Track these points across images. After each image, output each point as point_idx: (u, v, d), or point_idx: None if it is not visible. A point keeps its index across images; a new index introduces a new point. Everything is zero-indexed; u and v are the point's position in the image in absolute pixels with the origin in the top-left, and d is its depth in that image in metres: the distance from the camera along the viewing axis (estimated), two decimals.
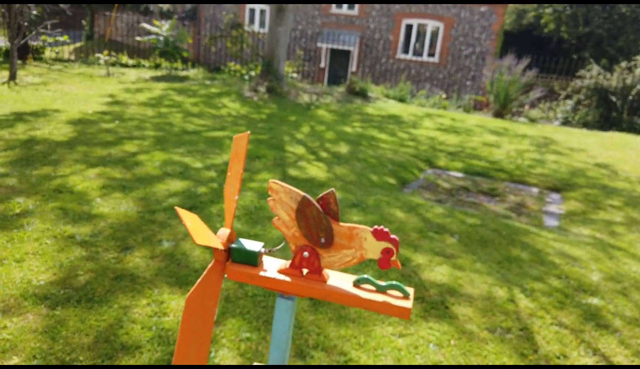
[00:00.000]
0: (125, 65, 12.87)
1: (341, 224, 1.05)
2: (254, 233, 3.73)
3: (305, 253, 1.05)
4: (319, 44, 19.46)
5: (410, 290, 1.04)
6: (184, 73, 12.23)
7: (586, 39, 18.89)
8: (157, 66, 12.85)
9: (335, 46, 19.22)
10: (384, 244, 1.02)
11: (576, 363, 2.66)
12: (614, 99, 11.18)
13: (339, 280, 1.08)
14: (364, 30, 19.48)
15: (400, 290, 1.02)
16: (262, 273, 1.07)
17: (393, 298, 1.01)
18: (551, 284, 3.46)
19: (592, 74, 11.68)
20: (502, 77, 11.03)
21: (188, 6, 20.82)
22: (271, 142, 6.54)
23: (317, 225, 1.04)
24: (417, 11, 18.91)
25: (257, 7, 20.20)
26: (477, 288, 3.32)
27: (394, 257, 1.02)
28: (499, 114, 11.43)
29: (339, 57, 19.87)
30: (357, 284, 1.06)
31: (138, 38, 13.02)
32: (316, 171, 5.51)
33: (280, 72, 9.91)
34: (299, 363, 2.46)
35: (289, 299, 1.10)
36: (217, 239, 1.09)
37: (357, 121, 8.71)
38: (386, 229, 1.03)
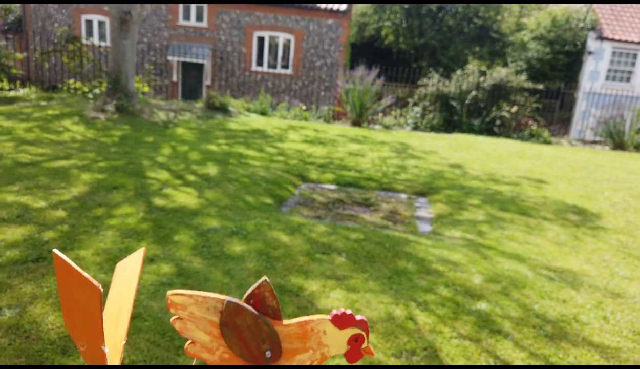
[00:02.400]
0: None
1: (286, 322, 0.76)
2: None
3: None
4: (169, 58, 18.49)
5: None
6: (12, 93, 10.59)
7: (422, 49, 20.71)
8: None
9: (186, 59, 18.42)
10: (351, 332, 0.75)
11: None
12: (454, 103, 12.31)
13: None
14: (216, 42, 18.99)
15: None
16: None
17: None
18: (441, 294, 3.49)
19: (433, 82, 12.72)
20: (355, 87, 11.46)
21: (10, 17, 18.30)
22: (129, 168, 5.84)
23: (256, 336, 0.73)
24: (268, 23, 18.98)
25: (95, 17, 18.52)
26: (374, 309, 3.20)
27: (364, 345, 0.76)
28: (356, 123, 11.86)
29: (192, 71, 19.09)
30: None
31: None
32: (185, 197, 5.02)
33: (129, 89, 9.06)
34: None
35: None
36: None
37: (222, 138, 8.29)
38: (349, 311, 0.76)
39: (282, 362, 0.75)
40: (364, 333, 0.76)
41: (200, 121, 9.53)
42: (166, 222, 4.29)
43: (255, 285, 0.75)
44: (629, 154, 11.60)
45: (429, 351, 2.82)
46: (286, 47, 19.15)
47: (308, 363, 0.76)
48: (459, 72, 12.88)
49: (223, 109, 10.71)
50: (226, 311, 0.72)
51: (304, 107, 12.84)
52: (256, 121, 10.49)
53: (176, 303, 0.74)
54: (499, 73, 12.58)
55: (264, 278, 0.77)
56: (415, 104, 13.25)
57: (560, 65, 19.69)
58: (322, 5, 18.45)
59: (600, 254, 4.64)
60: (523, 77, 13.05)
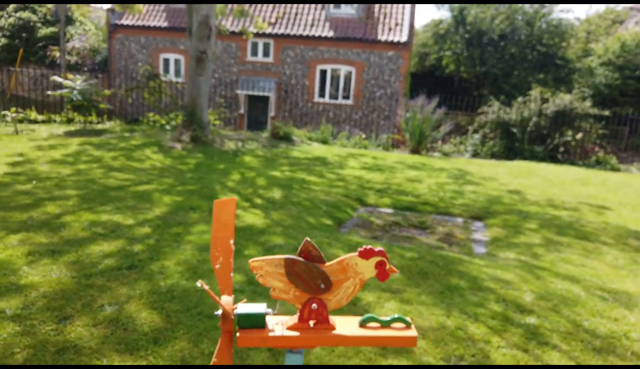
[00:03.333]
0: (35, 121, 12.17)
1: (328, 263, 1.11)
2: (200, 287, 3.63)
3: (314, 305, 1.09)
4: (237, 91, 19.63)
5: (409, 319, 1.11)
6: (100, 126, 11.76)
7: (483, 77, 20.68)
8: (69, 120, 12.26)
9: (253, 92, 19.49)
10: (375, 260, 1.09)
11: None
12: (514, 130, 12.27)
13: (345, 324, 1.12)
14: (280, 76, 19.97)
15: (403, 321, 1.09)
16: (272, 334, 1.09)
17: (398, 330, 1.07)
18: (492, 309, 3.68)
19: (493, 109, 12.77)
20: (415, 116, 11.75)
21: (98, 58, 20.24)
22: (203, 192, 6.44)
23: (311, 276, 1.09)
24: (330, 57, 19.75)
25: (172, 56, 20.09)
26: (426, 320, 3.45)
27: (388, 266, 1.09)
28: (415, 151, 12.09)
29: (258, 103, 20.13)
30: (362, 324, 1.11)
31: (49, 92, 12.40)
32: (253, 218, 5.50)
33: (203, 121, 9.86)
34: None
35: (299, 353, 1.12)
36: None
37: (285, 165, 8.83)
38: (369, 246, 1.10)
39: (334, 290, 1.10)
40: (384, 259, 1.10)
41: (265, 149, 10.15)
42: (237, 238, 4.75)
43: (302, 244, 1.11)
44: None
45: (476, 358, 3.04)
46: (347, 79, 19.80)
47: (352, 287, 1.11)
48: (520, 99, 12.85)
49: (287, 138, 11.32)
50: (286, 265, 1.09)
51: (363, 136, 13.25)
52: (317, 149, 11.00)
53: (255, 266, 1.12)
54: (563, 99, 12.43)
55: (306, 238, 1.13)
56: (475, 131, 13.31)
57: (630, 91, 18.98)
58: (383, 38, 19.01)
59: None
60: (588, 102, 12.79)
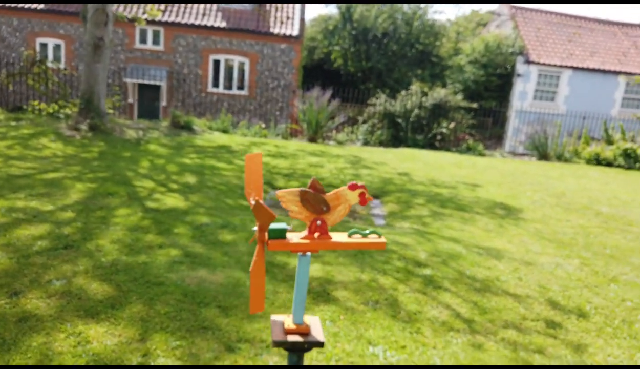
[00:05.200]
0: None
1: (328, 193, 1.65)
2: (142, 261, 3.92)
3: (318, 222, 1.62)
4: (125, 80, 18.92)
5: (380, 232, 1.69)
6: None
7: (369, 72, 22.17)
8: None
9: (143, 81, 18.92)
10: (358, 191, 1.65)
11: (429, 315, 3.59)
12: (399, 121, 13.57)
13: (338, 236, 1.67)
14: (172, 65, 19.61)
15: (377, 233, 1.67)
16: (292, 241, 1.60)
17: (374, 239, 1.65)
18: (395, 265, 4.44)
19: (380, 102, 13.96)
20: (312, 107, 12.49)
21: None
22: (116, 179, 6.50)
23: (318, 201, 1.62)
24: (223, 47, 19.83)
25: (50, 41, 18.75)
26: (345, 276, 4.10)
27: (367, 195, 1.66)
28: (312, 140, 12.85)
29: (148, 92, 19.59)
30: (350, 235, 1.67)
31: None
32: (174, 201, 5.76)
33: (102, 109, 9.64)
34: (229, 355, 2.87)
35: (308, 256, 1.65)
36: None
37: (193, 153, 9.03)
38: (354, 182, 1.67)
39: (331, 212, 1.64)
40: (364, 191, 1.66)
41: (168, 138, 10.21)
42: (163, 219, 5.03)
43: (310, 182, 1.64)
44: (551, 164, 13.19)
45: (388, 300, 3.75)
46: (241, 70, 20.03)
47: (342, 211, 1.65)
48: (403, 92, 14.21)
49: (188, 128, 11.41)
50: (301, 194, 1.61)
51: (263, 126, 13.71)
52: (220, 138, 11.26)
53: (280, 196, 1.62)
54: (439, 93, 13.99)
55: (313, 177, 1.67)
56: (364, 121, 14.44)
57: (493, 87, 21.65)
58: (276, 30, 19.53)
59: (520, 237, 5.77)
60: (460, 96, 14.53)
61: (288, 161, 9.28)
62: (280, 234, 1.62)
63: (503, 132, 21.80)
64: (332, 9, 28.68)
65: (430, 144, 13.73)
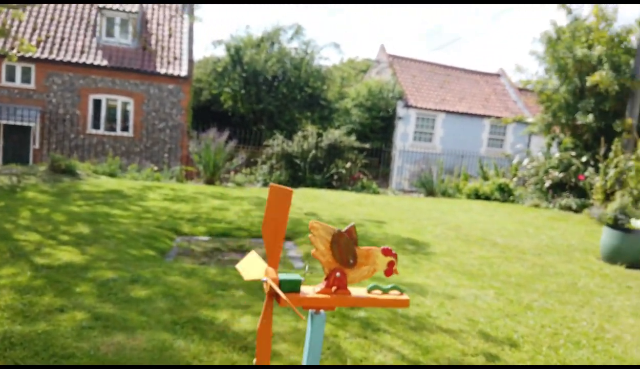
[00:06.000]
0: None
1: (359, 248, 1.45)
2: (42, 330, 3.28)
3: (338, 274, 1.40)
4: None
5: (402, 288, 1.51)
6: None
7: (260, 113, 22.24)
8: None
9: (9, 122, 16.98)
10: (389, 258, 1.46)
11: (375, 360, 3.43)
12: (297, 161, 13.63)
13: (357, 291, 1.46)
14: (46, 104, 17.91)
15: (398, 289, 1.49)
16: (307, 296, 1.36)
17: (396, 296, 1.46)
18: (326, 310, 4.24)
19: (278, 143, 13.96)
20: (209, 148, 12.06)
21: None
22: None
23: (348, 250, 1.41)
24: (105, 87, 18.63)
25: None
26: (281, 326, 3.81)
27: (395, 266, 1.48)
28: (210, 182, 12.36)
29: (16, 134, 17.58)
30: (369, 290, 1.47)
31: None
32: (68, 254, 5.04)
33: None
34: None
35: (322, 314, 1.41)
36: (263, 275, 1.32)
37: (80, 199, 8.11)
38: (389, 247, 1.49)
39: (355, 268, 1.43)
40: (394, 260, 1.48)
41: (48, 184, 9.11)
42: (60, 277, 4.34)
43: (348, 226, 1.43)
44: (438, 199, 14.08)
45: (332, 349, 3.52)
46: (125, 110, 18.91)
47: (366, 272, 1.45)
48: (300, 133, 14.36)
49: (70, 172, 10.33)
50: (336, 235, 1.38)
51: (155, 168, 12.91)
52: (108, 183, 10.34)
53: (314, 227, 1.38)
54: (333, 134, 14.37)
55: (352, 223, 1.45)
56: (264, 162, 14.29)
57: (377, 128, 22.89)
58: (163, 70, 18.85)
59: (435, 271, 5.92)
60: (353, 137, 15.06)
61: (189, 205, 8.75)
62: (294, 286, 1.37)
63: (389, 171, 23.00)
64: (220, 51, 28.61)
65: (327, 184, 13.94)
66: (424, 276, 5.68)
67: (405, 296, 1.50)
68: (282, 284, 1.37)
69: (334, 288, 1.43)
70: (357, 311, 4.24)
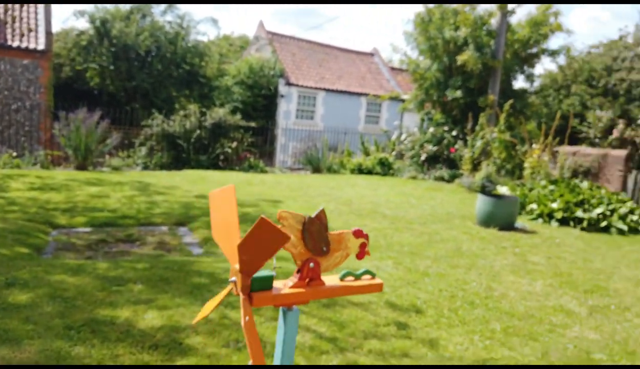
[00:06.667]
0: None
1: (331, 232, 1.33)
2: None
3: (311, 264, 1.28)
4: None
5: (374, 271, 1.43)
6: None
7: (133, 91, 20.67)
8: None
9: None
10: (361, 240, 1.37)
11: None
12: (180, 142, 12.95)
13: (330, 280, 1.34)
14: None
15: (370, 273, 1.40)
16: (281, 293, 1.21)
17: (368, 281, 1.38)
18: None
19: (158, 123, 13.11)
20: (79, 130, 10.93)
21: None
22: None
23: (320, 237, 1.28)
24: None
25: None
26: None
27: (367, 248, 1.39)
28: (82, 167, 11.23)
29: None
30: (342, 278, 1.36)
31: None
32: None
33: None
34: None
35: (295, 310, 1.28)
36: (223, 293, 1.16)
37: None
38: (360, 229, 1.39)
39: (329, 256, 1.31)
40: (366, 241, 1.38)
41: None
42: None
43: (317, 211, 1.29)
44: (325, 176, 14.38)
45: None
46: None
47: (339, 258, 1.34)
48: (181, 112, 13.62)
49: None
50: (307, 222, 1.24)
51: (14, 154, 11.39)
52: None
53: (283, 216, 1.23)
54: (217, 113, 13.87)
55: (322, 206, 1.31)
56: (142, 144, 13.33)
57: (260, 107, 22.61)
58: (15, 43, 16.61)
59: None
60: (238, 116, 14.68)
61: (62, 194, 7.86)
62: (266, 284, 1.23)
63: (273, 149, 22.93)
64: (83, 23, 25.99)
65: (214, 164, 13.47)
66: None
67: (378, 280, 1.43)
68: (253, 282, 1.21)
69: (307, 280, 1.31)
70: None
